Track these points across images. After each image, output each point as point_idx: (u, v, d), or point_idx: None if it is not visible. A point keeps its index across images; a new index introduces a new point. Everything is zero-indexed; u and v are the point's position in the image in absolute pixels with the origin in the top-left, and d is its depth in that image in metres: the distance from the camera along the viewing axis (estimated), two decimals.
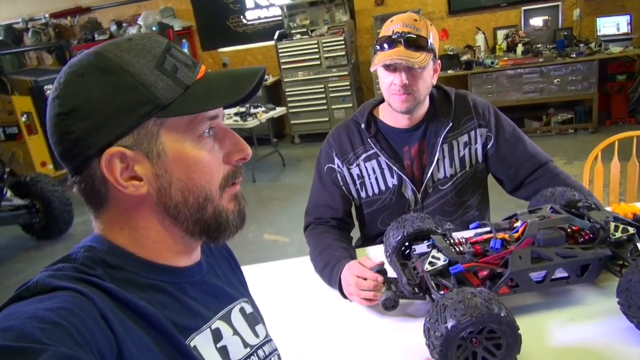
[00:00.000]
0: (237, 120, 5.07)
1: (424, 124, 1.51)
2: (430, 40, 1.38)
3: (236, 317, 0.76)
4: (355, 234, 1.68)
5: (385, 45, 1.38)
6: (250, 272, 1.53)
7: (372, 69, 1.45)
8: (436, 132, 1.49)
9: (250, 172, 5.23)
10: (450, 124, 1.48)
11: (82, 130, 0.58)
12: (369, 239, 1.64)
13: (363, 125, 1.52)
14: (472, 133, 1.51)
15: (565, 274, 1.08)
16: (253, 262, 1.57)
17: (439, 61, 1.46)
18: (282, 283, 1.44)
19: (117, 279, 0.60)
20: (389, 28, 1.39)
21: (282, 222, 4.13)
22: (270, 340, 0.82)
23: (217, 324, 0.71)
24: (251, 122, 4.99)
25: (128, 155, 0.60)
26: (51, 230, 4.46)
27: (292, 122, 6.19)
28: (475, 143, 1.51)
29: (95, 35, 6.74)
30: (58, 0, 7.07)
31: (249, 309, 0.80)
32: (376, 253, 1.45)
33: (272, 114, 5.31)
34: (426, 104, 1.49)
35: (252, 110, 5.18)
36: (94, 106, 0.58)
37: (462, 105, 1.52)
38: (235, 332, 0.74)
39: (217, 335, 0.70)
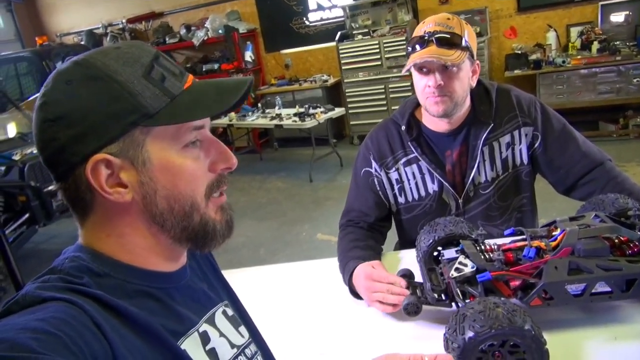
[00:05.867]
0: (295, 121, 5.13)
1: (465, 127, 1.44)
2: (465, 38, 1.31)
3: (220, 320, 0.76)
4: (393, 238, 1.64)
5: (417, 46, 1.33)
6: (275, 272, 1.55)
7: (404, 71, 1.40)
8: (477, 134, 1.41)
9: (307, 171, 5.28)
10: (491, 124, 1.40)
11: (68, 138, 0.59)
12: (407, 244, 1.58)
13: (404, 127, 1.48)
14: (516, 133, 1.41)
15: (608, 289, 0.99)
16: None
17: (477, 61, 1.39)
18: (307, 283, 1.43)
19: (104, 286, 0.60)
20: (421, 29, 1.35)
21: (336, 223, 4.10)
22: (252, 341, 0.82)
23: (204, 327, 0.71)
24: (309, 123, 5.03)
25: (114, 163, 0.60)
26: None
27: (351, 122, 6.17)
28: (520, 143, 1.42)
29: (167, 39, 7.08)
30: (134, 6, 7.49)
31: (230, 311, 0.81)
32: (411, 256, 1.41)
33: (330, 114, 5.31)
34: (466, 105, 1.42)
35: (311, 111, 5.22)
36: (81, 114, 0.58)
37: (505, 103, 1.43)
38: (222, 334, 0.74)
39: (205, 338, 0.70)
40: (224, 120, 5.65)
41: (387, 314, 1.17)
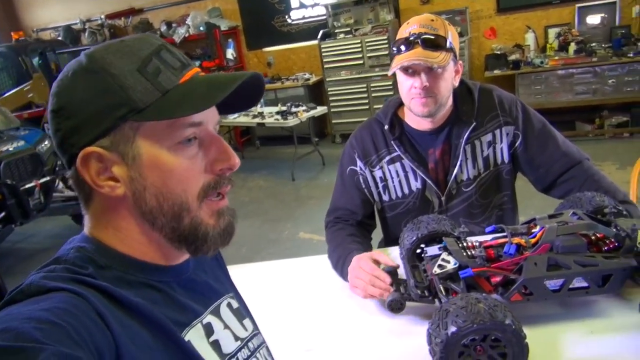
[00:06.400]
0: (277, 119, 5.13)
1: (448, 125, 1.46)
2: (449, 40, 1.33)
3: (225, 312, 0.76)
4: (378, 235, 1.65)
5: (403, 47, 1.34)
6: (262, 269, 1.56)
7: (389, 73, 1.41)
8: (459, 133, 1.44)
9: (289, 170, 5.28)
10: (474, 123, 1.42)
11: (67, 129, 0.60)
12: (391, 242, 1.60)
13: (386, 127, 1.49)
14: (497, 131, 1.44)
15: (585, 284, 1.01)
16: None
17: (460, 62, 1.41)
18: (293, 281, 1.44)
19: (107, 278, 0.60)
20: (406, 30, 1.36)
21: (318, 221, 4.10)
22: (258, 333, 0.82)
23: (209, 318, 0.71)
24: (292, 121, 5.04)
25: (105, 156, 0.60)
26: None
27: (333, 121, 6.18)
28: (501, 142, 1.45)
29: None
30: (113, 2, 7.38)
31: (235, 304, 0.80)
32: (395, 254, 1.42)
33: (312, 113, 5.32)
34: (449, 105, 1.44)
35: (293, 109, 5.21)
36: (77, 106, 0.59)
37: (487, 102, 1.45)
38: (226, 326, 0.74)
39: (208, 330, 0.70)
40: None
41: (373, 311, 1.19)
